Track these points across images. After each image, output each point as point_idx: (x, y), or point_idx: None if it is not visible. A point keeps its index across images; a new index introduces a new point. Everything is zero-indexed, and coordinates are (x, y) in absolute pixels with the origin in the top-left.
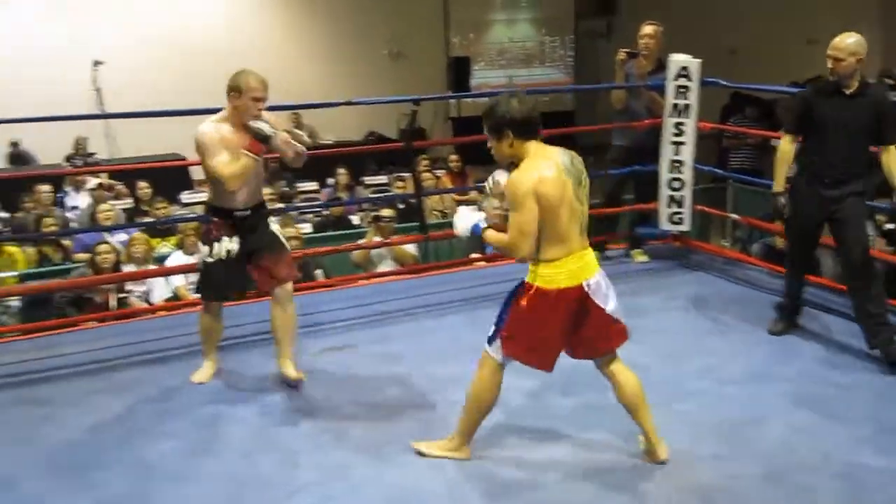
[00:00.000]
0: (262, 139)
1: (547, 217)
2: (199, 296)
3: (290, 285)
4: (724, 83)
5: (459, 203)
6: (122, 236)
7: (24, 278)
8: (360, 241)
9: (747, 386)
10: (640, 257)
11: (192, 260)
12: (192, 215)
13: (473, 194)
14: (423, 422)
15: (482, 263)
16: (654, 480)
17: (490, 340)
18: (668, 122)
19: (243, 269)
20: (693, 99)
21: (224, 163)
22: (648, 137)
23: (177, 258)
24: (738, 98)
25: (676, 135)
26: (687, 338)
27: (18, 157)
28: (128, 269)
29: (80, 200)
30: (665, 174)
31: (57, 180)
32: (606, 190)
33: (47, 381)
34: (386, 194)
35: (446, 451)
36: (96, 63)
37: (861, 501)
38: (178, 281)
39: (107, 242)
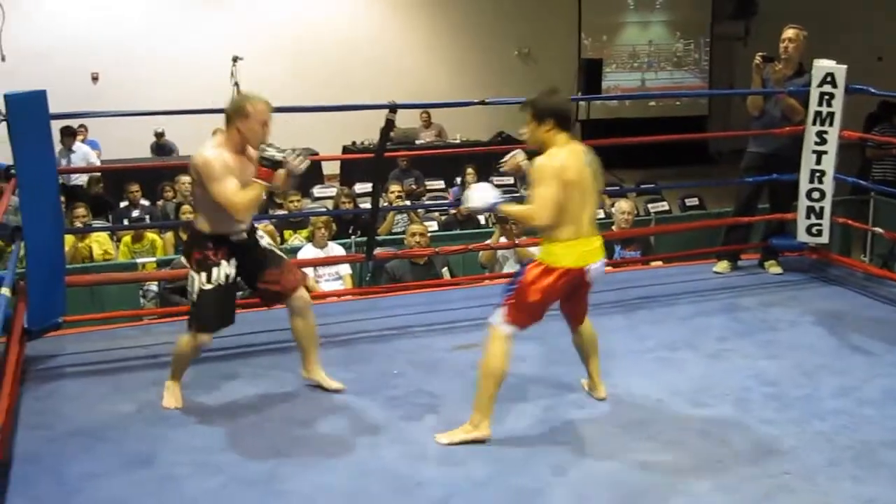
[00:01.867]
0: (274, 166)
1: (565, 199)
2: (195, 329)
3: (305, 293)
4: (873, 91)
5: None
6: None
7: (161, 264)
8: (487, 242)
9: (887, 408)
10: (774, 269)
11: (320, 253)
12: (322, 209)
13: (603, 198)
14: (544, 422)
15: (609, 269)
16: (786, 496)
17: (496, 310)
18: (810, 130)
19: (235, 296)
20: (837, 107)
21: (235, 191)
22: (787, 145)
23: (308, 251)
24: (886, 107)
25: (818, 143)
26: (823, 355)
27: (161, 148)
28: None
29: None
30: (804, 184)
31: None
32: (740, 198)
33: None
34: (513, 195)
35: (469, 434)
36: (235, 59)
37: None
38: (308, 273)
39: None
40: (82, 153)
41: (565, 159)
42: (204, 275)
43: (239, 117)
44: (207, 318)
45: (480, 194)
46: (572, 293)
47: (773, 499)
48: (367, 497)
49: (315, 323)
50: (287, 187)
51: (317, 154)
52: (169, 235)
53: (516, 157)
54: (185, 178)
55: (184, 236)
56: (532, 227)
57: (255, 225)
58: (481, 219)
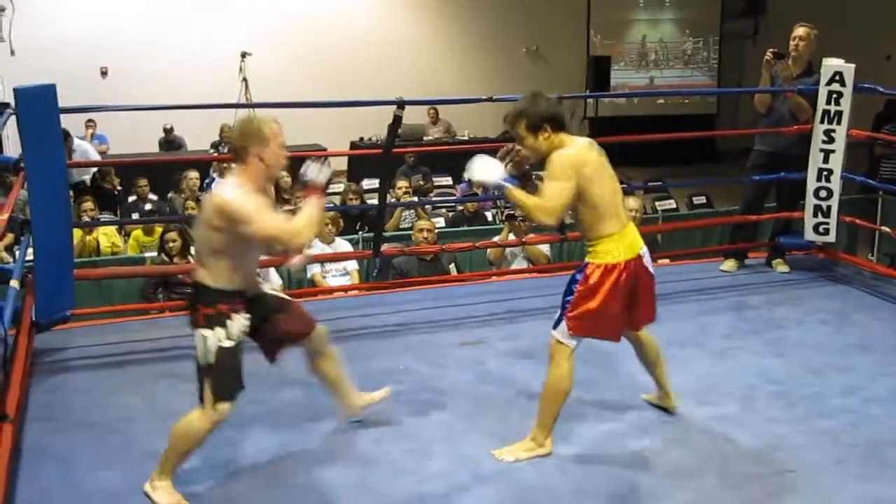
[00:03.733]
0: (316, 185)
1: (594, 193)
2: (215, 400)
3: (321, 327)
4: (881, 90)
5: None
6: None
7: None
8: (495, 239)
9: (894, 407)
10: (781, 267)
11: (327, 249)
12: (330, 205)
13: None
14: None
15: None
16: (791, 495)
17: (556, 325)
18: (818, 129)
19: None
20: (846, 105)
21: (283, 220)
22: (794, 143)
23: (315, 247)
24: (894, 106)
25: (826, 142)
26: (829, 353)
27: (169, 143)
28: None
29: None
30: (812, 182)
31: (204, 167)
32: (747, 196)
33: (192, 358)
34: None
35: (532, 452)
36: (244, 54)
37: None
38: (315, 268)
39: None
40: (81, 151)
41: (581, 152)
42: (221, 330)
43: (257, 144)
44: (230, 382)
45: (482, 166)
46: (633, 289)
47: (778, 497)
48: (373, 492)
49: (337, 356)
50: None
51: (325, 150)
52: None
53: (517, 151)
54: (193, 174)
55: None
56: (537, 222)
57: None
58: (489, 215)
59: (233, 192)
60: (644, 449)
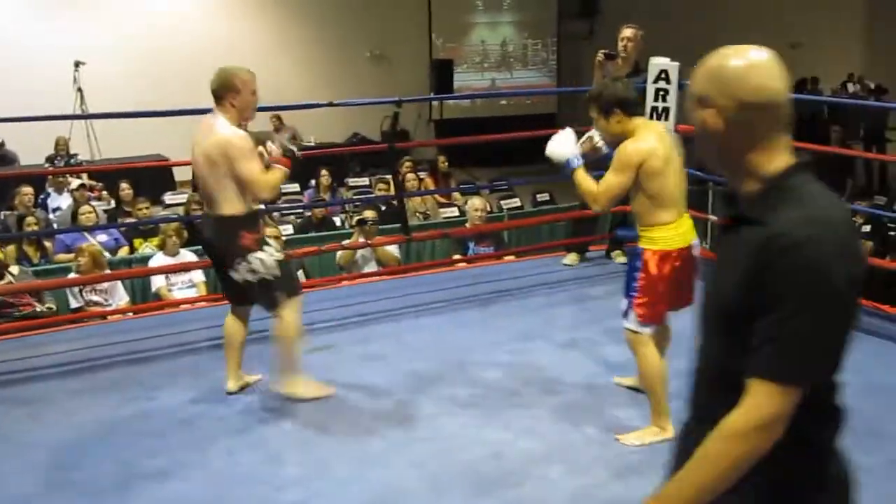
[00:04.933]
0: (291, 156)
1: (655, 185)
2: (290, 296)
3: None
4: None
5: (442, 205)
6: (102, 237)
7: None
8: (344, 243)
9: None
10: (620, 258)
11: (171, 261)
12: (174, 216)
13: (456, 196)
14: (404, 419)
15: (463, 265)
16: (638, 480)
17: (626, 315)
18: None
19: None
20: (672, 102)
21: (263, 171)
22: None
23: (159, 259)
24: None
25: None
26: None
27: (1, 158)
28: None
29: (61, 201)
30: None
31: (38, 181)
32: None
33: (30, 381)
34: (368, 196)
35: (658, 436)
36: (78, 63)
37: None
38: (160, 282)
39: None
40: None
41: (653, 144)
42: (270, 248)
43: (230, 92)
44: (294, 281)
45: (562, 142)
46: (683, 276)
47: (623, 478)
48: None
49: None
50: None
51: (167, 160)
52: (10, 249)
53: (592, 138)
54: (27, 189)
55: (29, 250)
56: (590, 204)
57: None
58: (337, 220)
59: (230, 130)
60: (494, 441)
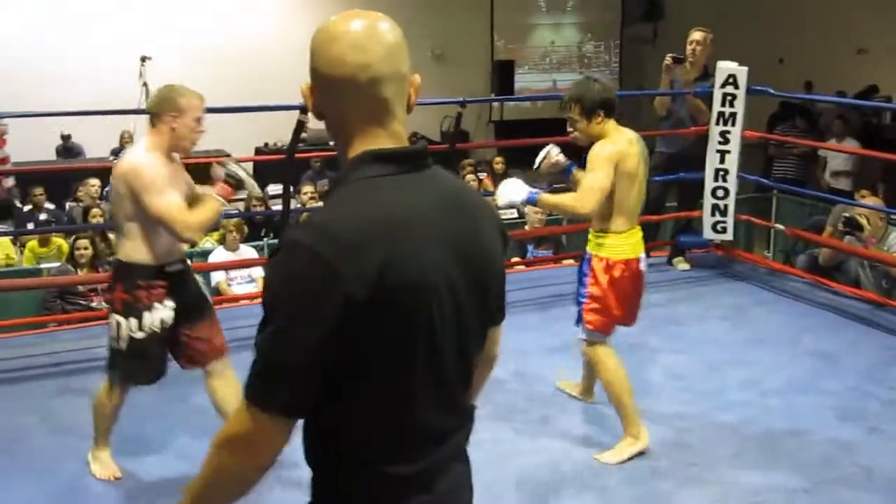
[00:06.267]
0: (236, 183)
1: (622, 189)
2: (121, 381)
3: (226, 359)
4: (773, 92)
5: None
6: None
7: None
8: None
9: (790, 398)
10: (681, 265)
11: (231, 256)
12: (234, 211)
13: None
14: None
15: (522, 268)
16: (692, 488)
17: (577, 322)
18: (714, 131)
19: (168, 342)
20: (739, 107)
21: (181, 208)
22: (693, 145)
23: (219, 254)
24: (787, 107)
25: (722, 143)
26: (728, 348)
27: (68, 150)
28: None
29: None
30: (710, 182)
31: (104, 174)
32: (649, 196)
33: (90, 372)
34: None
35: (633, 447)
36: (144, 59)
37: None
38: (220, 276)
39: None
40: None
41: (624, 147)
42: (134, 321)
43: (169, 113)
44: (136, 369)
45: (512, 189)
46: (631, 290)
47: (680, 491)
48: None
49: (235, 382)
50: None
51: (229, 155)
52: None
53: (550, 154)
54: (93, 181)
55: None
56: (576, 216)
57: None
58: None
59: (139, 156)
60: (550, 449)
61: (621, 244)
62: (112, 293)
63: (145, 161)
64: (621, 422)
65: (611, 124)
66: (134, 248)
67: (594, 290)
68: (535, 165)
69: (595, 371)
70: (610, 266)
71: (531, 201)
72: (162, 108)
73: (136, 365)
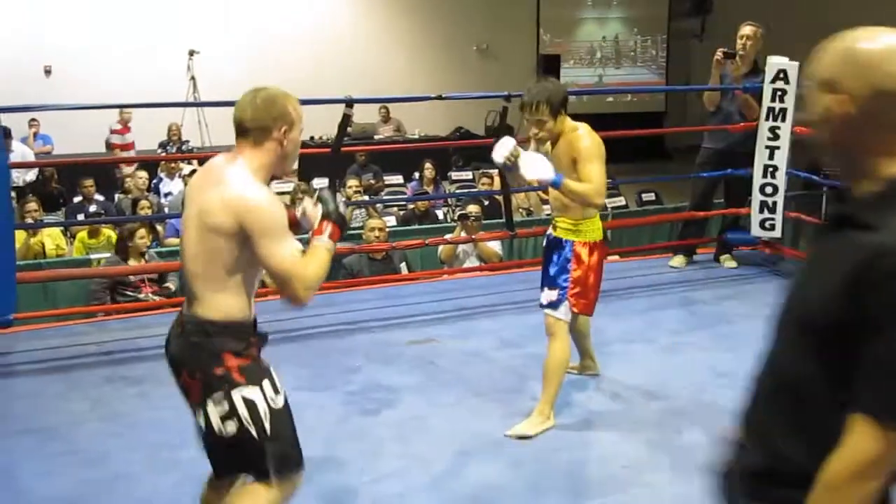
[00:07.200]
0: (338, 220)
1: None
2: (287, 474)
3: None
4: None
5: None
6: None
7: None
8: (447, 237)
9: None
10: (729, 263)
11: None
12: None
13: None
14: (504, 416)
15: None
16: None
17: (555, 305)
18: (763, 126)
19: None
20: (790, 103)
21: (301, 260)
22: (742, 141)
23: None
24: None
25: (771, 139)
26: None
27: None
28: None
29: (173, 187)
30: (758, 179)
31: (152, 167)
32: (695, 192)
33: (139, 361)
34: (472, 190)
35: (541, 426)
36: (192, 52)
37: None
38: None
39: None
40: (20, 153)
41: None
42: (268, 385)
43: (282, 125)
44: (294, 449)
45: (537, 166)
46: (601, 270)
47: None
48: (328, 494)
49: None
50: None
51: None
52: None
53: (507, 145)
54: (142, 174)
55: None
56: (589, 205)
57: None
58: (440, 213)
59: (257, 190)
60: (597, 444)
61: (596, 228)
62: (217, 367)
63: (265, 197)
64: (543, 397)
65: (568, 119)
66: (231, 306)
67: (577, 273)
68: (504, 160)
69: (550, 345)
70: (592, 248)
71: (557, 184)
72: (274, 121)
73: (289, 446)
